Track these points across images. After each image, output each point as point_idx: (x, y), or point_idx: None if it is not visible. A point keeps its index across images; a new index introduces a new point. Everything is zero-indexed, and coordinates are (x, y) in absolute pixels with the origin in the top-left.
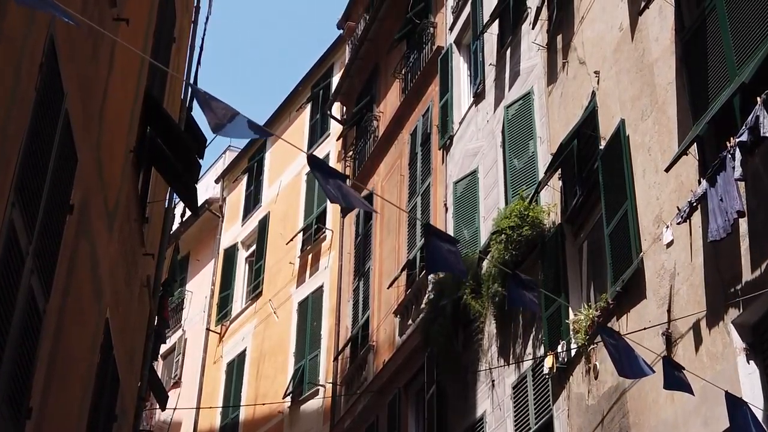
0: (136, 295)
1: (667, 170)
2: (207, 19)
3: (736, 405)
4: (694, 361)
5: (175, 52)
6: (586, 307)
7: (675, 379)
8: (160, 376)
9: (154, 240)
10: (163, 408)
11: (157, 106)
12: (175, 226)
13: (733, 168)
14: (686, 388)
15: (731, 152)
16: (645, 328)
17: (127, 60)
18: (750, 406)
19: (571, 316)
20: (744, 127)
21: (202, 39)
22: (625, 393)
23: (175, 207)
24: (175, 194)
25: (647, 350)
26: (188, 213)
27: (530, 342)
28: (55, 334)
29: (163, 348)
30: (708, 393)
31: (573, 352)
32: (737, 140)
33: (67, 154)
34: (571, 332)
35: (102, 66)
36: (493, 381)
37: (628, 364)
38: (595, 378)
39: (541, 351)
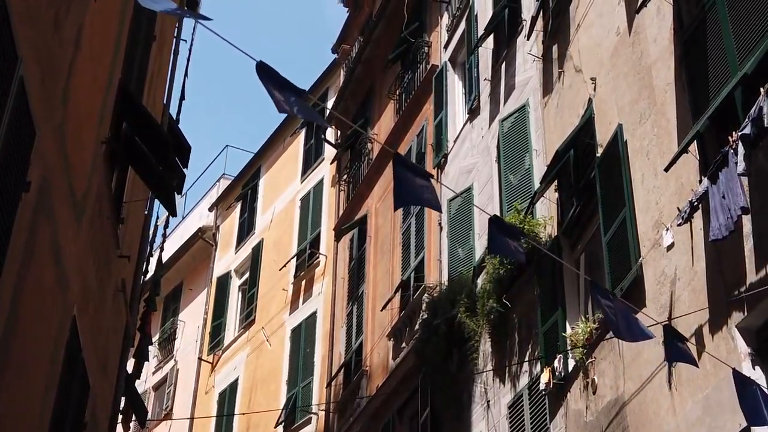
0: (110, 299)
1: (666, 170)
2: (194, 30)
3: (745, 385)
4: (696, 370)
5: (156, 51)
6: (583, 320)
7: (677, 350)
8: (151, 408)
9: (132, 243)
10: (142, 425)
11: (135, 103)
12: (167, 251)
13: (736, 163)
14: (689, 359)
15: (734, 147)
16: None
17: (97, 44)
18: (761, 387)
19: (569, 330)
20: (747, 119)
21: (191, 43)
22: (624, 406)
23: (158, 219)
24: (156, 199)
25: (647, 361)
26: (178, 243)
27: (526, 359)
28: (9, 320)
29: (155, 379)
30: (711, 402)
31: (570, 367)
32: (740, 133)
33: (23, 125)
34: (568, 346)
35: (66, 42)
36: (488, 401)
37: (626, 327)
38: (594, 393)
39: (538, 368)
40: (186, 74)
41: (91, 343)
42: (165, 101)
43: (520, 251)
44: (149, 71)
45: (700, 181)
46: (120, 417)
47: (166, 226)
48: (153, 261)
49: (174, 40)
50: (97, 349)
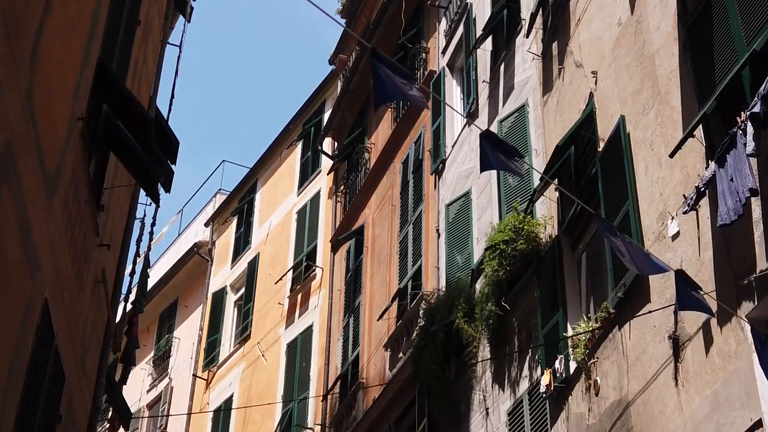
0: (89, 289)
1: (671, 155)
2: (184, 29)
3: (764, 343)
4: (704, 364)
5: (140, 37)
6: (585, 319)
7: (689, 298)
8: (145, 428)
9: (114, 233)
10: (126, 428)
11: (117, 84)
12: (163, 267)
13: (745, 144)
14: (703, 307)
15: (742, 127)
16: (651, 310)
17: (72, 12)
18: None
19: (569, 331)
20: (756, 97)
21: (181, 41)
22: (628, 407)
23: (144, 216)
24: (141, 188)
25: (652, 358)
26: (174, 259)
27: (526, 364)
28: None
29: (149, 397)
30: (720, 398)
31: (572, 369)
32: (749, 112)
33: None
34: (569, 348)
35: (35, 3)
36: (487, 409)
37: (639, 259)
38: (596, 395)
39: (538, 372)
40: (176, 73)
41: (67, 332)
42: (151, 92)
43: (515, 168)
44: (133, 56)
45: (707, 169)
46: (107, 425)
47: (153, 224)
48: (140, 260)
49: (161, 35)
50: (74, 340)
